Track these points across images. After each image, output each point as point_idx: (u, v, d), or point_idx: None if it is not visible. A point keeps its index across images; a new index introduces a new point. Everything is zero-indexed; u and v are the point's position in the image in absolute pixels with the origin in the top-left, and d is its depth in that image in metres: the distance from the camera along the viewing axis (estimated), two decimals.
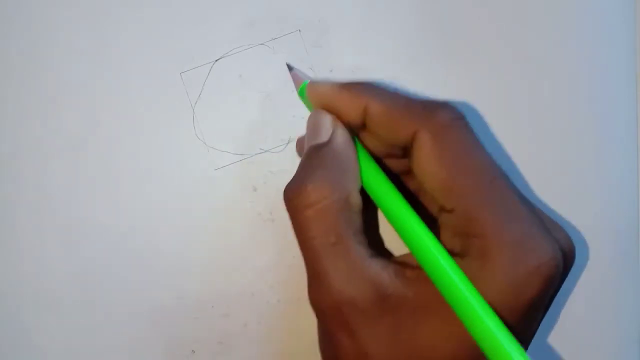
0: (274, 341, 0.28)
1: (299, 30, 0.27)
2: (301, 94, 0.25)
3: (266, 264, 0.27)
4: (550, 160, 0.28)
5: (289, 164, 0.27)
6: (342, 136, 0.22)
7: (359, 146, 0.22)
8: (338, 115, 0.22)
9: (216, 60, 0.27)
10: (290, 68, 0.26)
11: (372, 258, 0.20)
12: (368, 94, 0.21)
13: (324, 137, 0.22)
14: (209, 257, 0.27)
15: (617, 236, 0.28)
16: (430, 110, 0.20)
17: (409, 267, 0.21)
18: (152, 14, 0.27)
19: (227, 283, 0.27)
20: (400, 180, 0.25)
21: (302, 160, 0.22)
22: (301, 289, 0.27)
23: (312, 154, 0.22)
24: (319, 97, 0.23)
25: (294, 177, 0.21)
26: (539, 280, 0.19)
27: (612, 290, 0.28)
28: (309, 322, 0.27)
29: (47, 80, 0.27)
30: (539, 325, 0.21)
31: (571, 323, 0.28)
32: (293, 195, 0.21)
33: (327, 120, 0.22)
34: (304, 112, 0.27)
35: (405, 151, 0.21)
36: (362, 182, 0.22)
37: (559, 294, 0.28)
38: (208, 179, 0.27)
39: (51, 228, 0.27)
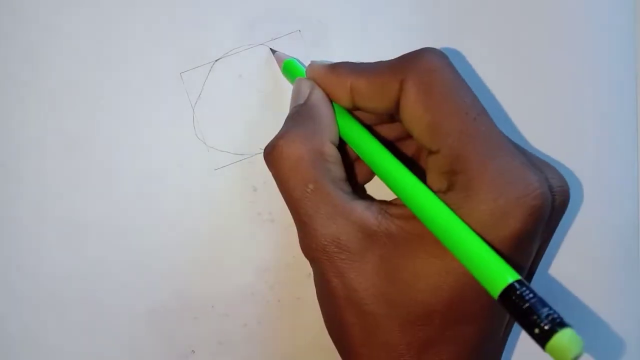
0: (274, 341, 0.28)
1: (299, 30, 0.27)
2: (284, 71, 0.26)
3: (266, 264, 0.27)
4: (550, 160, 0.28)
5: None
6: (316, 95, 0.23)
7: (337, 105, 0.23)
8: (331, 98, 0.23)
9: (216, 60, 0.27)
10: (273, 52, 0.27)
11: (355, 200, 0.21)
12: (351, 73, 0.22)
13: (301, 100, 0.23)
14: (209, 257, 0.27)
15: (617, 236, 0.28)
16: (412, 59, 0.21)
17: (392, 205, 0.21)
18: (152, 14, 0.27)
19: (227, 283, 0.27)
20: (395, 148, 0.25)
21: (284, 122, 0.23)
22: (301, 289, 0.27)
23: (291, 115, 0.23)
24: (312, 79, 0.24)
25: (273, 137, 0.22)
26: (522, 210, 0.19)
27: (612, 290, 0.28)
28: (309, 322, 0.27)
29: (47, 80, 0.27)
30: (532, 261, 0.21)
31: (571, 323, 0.28)
32: (268, 151, 0.22)
33: (305, 85, 0.24)
34: None
35: (397, 112, 0.22)
36: (339, 134, 0.23)
37: (560, 293, 0.28)
38: (208, 179, 0.27)
39: (51, 228, 0.27)
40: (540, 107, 0.28)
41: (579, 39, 0.28)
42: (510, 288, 0.17)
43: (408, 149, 0.25)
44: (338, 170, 0.22)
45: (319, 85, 0.23)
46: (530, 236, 0.20)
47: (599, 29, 0.28)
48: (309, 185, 0.21)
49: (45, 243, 0.27)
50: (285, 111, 0.28)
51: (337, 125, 0.23)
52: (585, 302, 0.28)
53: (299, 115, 0.23)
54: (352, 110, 0.23)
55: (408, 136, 0.23)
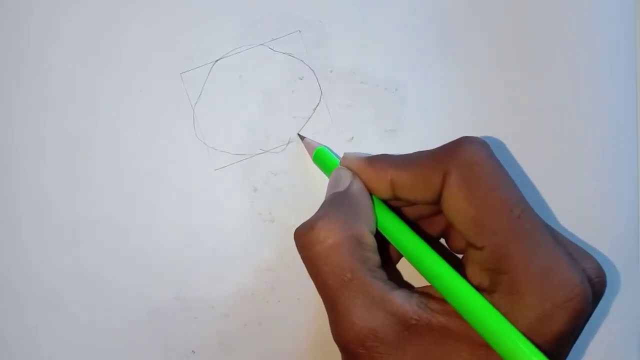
0: (274, 341, 0.28)
1: (299, 31, 0.27)
2: (315, 159, 0.26)
3: (266, 264, 0.27)
4: (550, 160, 0.28)
5: (289, 164, 0.27)
6: (357, 184, 0.23)
7: (375, 198, 0.23)
8: (370, 191, 0.23)
9: (216, 61, 0.27)
10: (302, 138, 0.27)
11: (393, 290, 0.21)
12: (390, 166, 0.22)
13: (341, 188, 0.23)
14: (209, 257, 0.27)
15: (617, 237, 0.28)
16: (454, 150, 0.21)
17: (432, 299, 0.21)
18: (152, 14, 0.27)
19: (227, 283, 0.27)
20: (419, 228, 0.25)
21: (321, 206, 0.23)
22: (301, 289, 0.27)
23: (330, 200, 0.23)
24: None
25: (308, 220, 0.22)
26: (567, 314, 0.19)
27: (612, 291, 0.28)
28: (309, 322, 0.27)
29: (48, 80, 0.27)
30: (569, 352, 0.21)
31: None
32: (302, 233, 0.21)
33: (346, 173, 0.23)
34: (304, 113, 0.27)
35: (438, 202, 0.22)
36: (377, 225, 0.23)
37: None
38: (208, 179, 0.27)
39: (51, 228, 0.27)
40: (540, 107, 0.28)
41: (579, 38, 0.28)
42: None
43: (437, 226, 0.25)
44: (375, 258, 0.22)
45: (358, 177, 0.23)
46: (572, 335, 0.20)
47: (599, 29, 0.28)
48: (347, 274, 0.20)
49: (45, 243, 0.27)
50: (286, 111, 0.28)
51: (376, 215, 0.23)
52: None
53: (338, 201, 0.22)
54: (391, 201, 0.23)
55: (437, 213, 0.24)
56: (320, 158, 0.26)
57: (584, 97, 0.28)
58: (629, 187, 0.28)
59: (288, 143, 0.27)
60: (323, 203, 0.23)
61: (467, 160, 0.20)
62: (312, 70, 0.27)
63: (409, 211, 0.25)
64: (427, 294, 0.21)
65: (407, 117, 0.28)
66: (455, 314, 0.20)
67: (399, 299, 0.21)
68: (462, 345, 0.20)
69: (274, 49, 0.27)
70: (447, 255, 0.23)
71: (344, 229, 0.21)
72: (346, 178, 0.23)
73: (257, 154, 0.27)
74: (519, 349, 0.19)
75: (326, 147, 0.26)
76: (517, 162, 0.28)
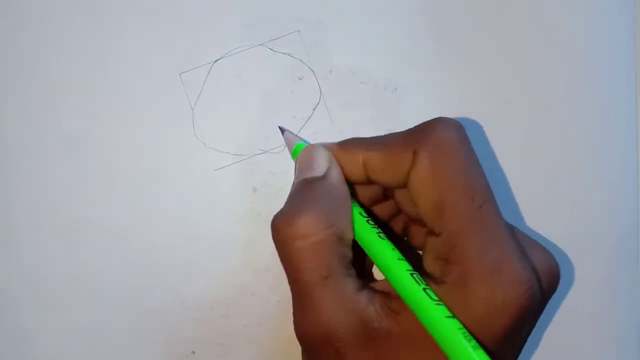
0: (274, 342, 0.28)
1: (299, 31, 0.27)
2: (294, 155, 0.25)
3: (266, 264, 0.27)
4: (550, 160, 0.28)
5: (289, 164, 0.27)
6: (336, 170, 0.22)
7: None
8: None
9: (216, 61, 0.27)
10: (282, 130, 0.27)
11: (360, 291, 0.20)
12: (362, 147, 0.22)
13: (318, 172, 0.22)
14: (208, 258, 0.27)
15: (617, 237, 0.28)
16: (426, 130, 0.21)
17: (393, 298, 0.21)
18: (151, 14, 0.27)
19: (227, 283, 0.27)
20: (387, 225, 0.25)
21: (292, 192, 0.22)
22: None
23: (305, 187, 0.21)
24: None
25: (284, 207, 0.21)
26: (514, 310, 0.19)
27: (612, 291, 0.28)
28: None
29: (47, 80, 0.27)
30: (520, 349, 0.21)
31: (571, 323, 0.28)
32: (283, 226, 0.20)
33: (322, 156, 0.22)
34: (304, 113, 0.27)
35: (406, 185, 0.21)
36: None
37: (560, 293, 0.28)
38: (208, 180, 0.27)
39: (51, 228, 0.27)
40: (540, 106, 0.28)
41: (579, 39, 0.28)
42: None
43: (396, 224, 0.25)
44: (350, 254, 0.21)
45: None
46: (520, 331, 0.20)
47: (599, 29, 0.28)
48: (324, 272, 0.20)
49: (45, 243, 0.27)
50: (286, 111, 0.28)
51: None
52: (584, 302, 0.28)
53: (317, 190, 0.21)
54: (363, 184, 0.23)
55: (398, 213, 0.23)
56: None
57: (584, 97, 0.28)
58: (629, 187, 0.28)
59: None
60: (302, 188, 0.21)
61: (437, 141, 0.20)
62: (312, 70, 0.27)
63: (376, 210, 0.24)
64: (388, 293, 0.21)
65: (407, 117, 0.28)
66: (412, 314, 0.20)
67: (364, 300, 0.20)
68: (416, 348, 0.20)
69: (274, 49, 0.27)
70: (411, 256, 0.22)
71: (327, 226, 0.20)
72: (322, 161, 0.22)
73: (256, 154, 0.27)
74: (462, 346, 0.18)
75: (306, 142, 0.25)
76: (517, 163, 0.28)
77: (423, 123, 0.21)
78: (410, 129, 0.21)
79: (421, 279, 0.20)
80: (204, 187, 0.27)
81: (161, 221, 0.27)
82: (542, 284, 0.20)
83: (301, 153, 0.23)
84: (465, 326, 0.19)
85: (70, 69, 0.27)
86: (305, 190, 0.21)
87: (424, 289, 0.20)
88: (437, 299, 0.19)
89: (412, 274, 0.20)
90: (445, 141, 0.20)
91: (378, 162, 0.21)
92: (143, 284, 0.27)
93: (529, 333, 0.21)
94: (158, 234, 0.27)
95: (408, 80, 0.27)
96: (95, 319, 0.27)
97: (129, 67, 0.27)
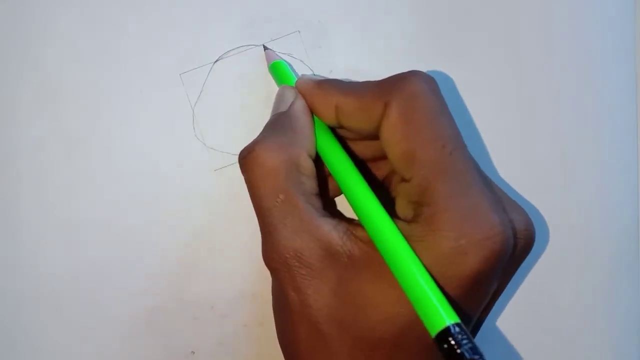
0: (274, 342, 0.28)
1: (299, 31, 0.27)
2: (270, 70, 0.26)
3: None
4: (550, 160, 0.28)
5: None
6: (298, 105, 0.23)
7: (316, 119, 0.23)
8: (316, 115, 0.23)
9: (216, 61, 0.27)
10: (265, 48, 0.27)
11: (323, 217, 0.21)
12: (337, 91, 0.22)
13: (283, 107, 0.23)
14: (209, 258, 0.27)
15: (617, 236, 0.28)
16: (398, 81, 0.21)
17: (360, 227, 0.21)
18: (151, 15, 0.27)
19: (227, 284, 0.27)
20: (369, 167, 0.25)
21: (263, 128, 0.23)
22: None
23: (270, 121, 0.23)
24: (299, 91, 0.24)
25: (250, 142, 0.22)
26: (482, 252, 0.19)
27: (611, 291, 0.28)
28: None
29: (47, 80, 0.27)
30: (486, 304, 0.21)
31: (571, 323, 0.28)
32: (244, 156, 0.22)
33: (289, 94, 0.24)
34: None
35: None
36: (316, 149, 0.23)
37: (560, 293, 0.28)
38: (208, 179, 0.27)
39: (51, 228, 0.27)
40: (541, 107, 0.28)
41: (579, 39, 0.28)
42: (447, 330, 0.17)
43: (381, 170, 0.25)
44: (311, 184, 0.22)
45: (305, 99, 0.23)
46: (487, 278, 0.20)
47: (599, 29, 0.28)
48: (280, 195, 0.21)
49: (45, 243, 0.27)
50: None
51: (316, 138, 0.23)
52: (584, 302, 0.28)
53: (278, 123, 0.23)
54: (336, 128, 0.23)
55: (384, 157, 0.23)
56: (277, 72, 0.26)
57: (584, 97, 0.28)
58: (629, 186, 0.28)
59: None
60: (268, 122, 0.23)
61: (409, 91, 0.20)
62: (312, 71, 0.27)
63: (357, 149, 0.24)
64: (357, 223, 0.21)
65: None
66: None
67: (326, 225, 0.21)
68: (377, 274, 0.20)
69: (274, 49, 0.27)
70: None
71: (281, 152, 0.21)
72: (289, 97, 0.23)
73: None
74: (415, 279, 0.18)
75: (287, 62, 0.26)
76: (516, 163, 0.28)
77: (396, 75, 0.21)
78: (384, 79, 0.22)
79: (387, 213, 0.20)
80: (204, 187, 0.27)
81: (161, 221, 0.27)
82: (517, 242, 0.20)
83: (277, 93, 0.24)
84: (430, 264, 0.19)
85: (71, 69, 0.27)
86: (269, 124, 0.23)
87: (388, 217, 0.20)
88: (398, 230, 0.20)
89: (379, 203, 0.20)
90: (417, 92, 0.20)
91: (350, 109, 0.22)
92: (143, 283, 0.27)
93: (496, 288, 0.21)
94: (158, 234, 0.27)
95: None
96: (95, 319, 0.27)
97: (129, 67, 0.27)
